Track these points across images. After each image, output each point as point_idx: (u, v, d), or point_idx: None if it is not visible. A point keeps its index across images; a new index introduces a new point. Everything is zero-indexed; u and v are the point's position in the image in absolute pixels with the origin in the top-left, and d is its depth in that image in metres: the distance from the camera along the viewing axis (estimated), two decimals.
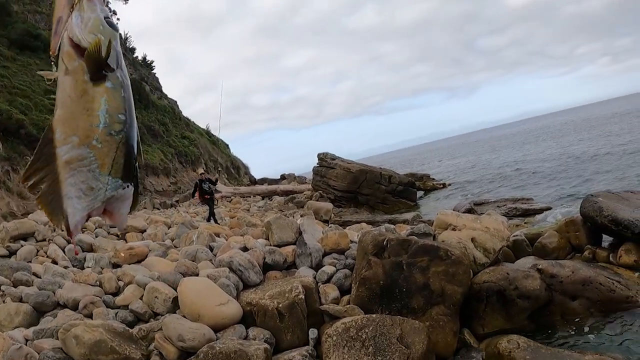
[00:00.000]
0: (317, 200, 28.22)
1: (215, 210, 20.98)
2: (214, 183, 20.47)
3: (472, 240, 10.13)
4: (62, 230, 2.59)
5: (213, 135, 58.31)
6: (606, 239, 11.62)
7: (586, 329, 8.42)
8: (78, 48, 1.83)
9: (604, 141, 44.32)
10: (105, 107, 1.91)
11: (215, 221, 19.68)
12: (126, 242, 13.59)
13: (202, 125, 61.88)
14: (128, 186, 2.13)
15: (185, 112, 60.22)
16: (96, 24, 1.88)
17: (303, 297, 7.47)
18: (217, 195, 25.93)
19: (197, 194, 20.28)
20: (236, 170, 59.05)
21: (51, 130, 1.95)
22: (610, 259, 10.74)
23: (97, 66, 1.89)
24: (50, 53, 1.95)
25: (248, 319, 7.37)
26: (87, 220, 2.19)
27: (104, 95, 1.90)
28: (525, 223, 16.96)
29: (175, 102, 61.54)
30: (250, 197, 37.89)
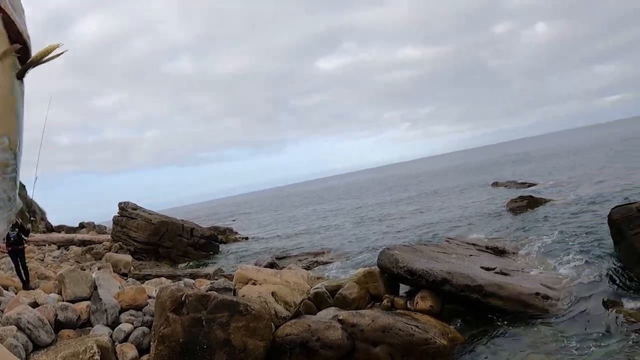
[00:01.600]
0: (117, 252, 27.07)
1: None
2: (26, 232, 16.35)
3: (273, 294, 10.38)
4: None
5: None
6: (403, 288, 12.62)
7: None
8: (13, 29, 1.60)
9: (391, 197, 47.65)
10: (22, 113, 1.72)
11: (27, 279, 15.70)
12: None
13: None
14: None
15: None
16: (24, 13, 1.70)
17: (99, 358, 7.18)
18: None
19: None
20: (32, 215, 54.76)
21: None
22: (408, 305, 11.68)
23: (30, 66, 1.70)
24: None
25: None
26: None
27: (21, 99, 1.70)
28: (326, 275, 17.60)
29: None
30: (45, 245, 35.29)
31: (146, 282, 14.79)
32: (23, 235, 15.94)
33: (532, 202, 25.39)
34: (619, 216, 12.77)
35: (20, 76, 1.69)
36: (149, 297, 9.67)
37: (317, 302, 12.26)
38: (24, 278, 15.51)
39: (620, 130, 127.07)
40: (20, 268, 15.64)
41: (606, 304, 11.29)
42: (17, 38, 1.65)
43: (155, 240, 28.99)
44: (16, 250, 15.61)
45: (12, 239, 15.33)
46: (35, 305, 8.81)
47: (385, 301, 12.11)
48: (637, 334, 9.62)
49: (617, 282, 12.41)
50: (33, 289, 12.96)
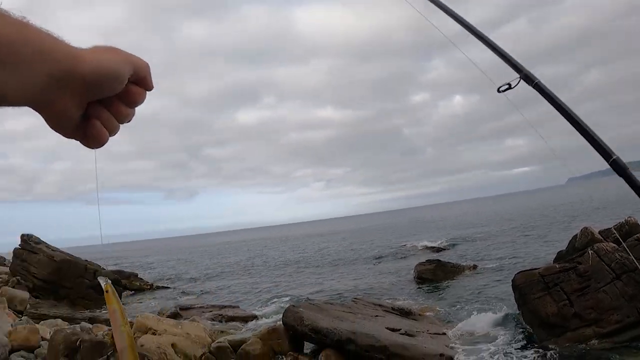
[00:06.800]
0: (14, 287, 25.62)
1: None
2: None
3: (173, 345, 10.10)
4: None
5: None
6: (308, 346, 12.52)
7: None
8: None
9: (298, 255, 47.81)
10: None
11: None
12: None
13: None
14: None
15: None
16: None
17: None
18: None
19: None
20: None
21: None
22: None
23: None
24: None
25: None
26: None
27: None
28: (232, 329, 17.32)
29: None
30: None
31: (42, 322, 14.08)
32: None
33: (440, 267, 25.97)
34: (522, 281, 13.27)
35: None
36: (43, 338, 9.21)
37: (219, 356, 11.99)
38: None
39: (525, 200, 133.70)
40: None
41: None
42: None
43: (55, 278, 27.65)
44: None
45: None
46: None
47: (289, 359, 12.02)
48: None
49: (521, 344, 12.85)
50: None
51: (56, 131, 1.07)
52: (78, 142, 1.10)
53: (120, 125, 1.13)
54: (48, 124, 1.05)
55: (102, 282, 1.72)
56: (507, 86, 3.52)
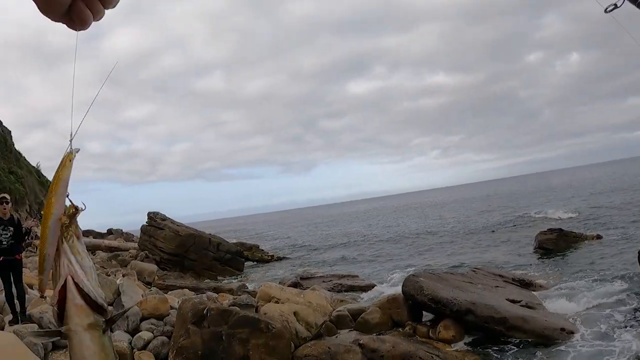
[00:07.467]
0: (143, 261, 27.24)
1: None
2: (23, 233, 10.38)
3: (295, 313, 10.35)
4: None
5: (43, 175, 54.89)
6: (427, 316, 12.47)
7: None
8: (88, 300, 1.66)
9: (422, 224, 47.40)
10: (114, 355, 1.75)
11: (23, 308, 9.80)
12: None
13: (33, 163, 57.99)
14: None
15: (17, 146, 55.59)
16: (96, 275, 1.76)
17: None
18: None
19: None
20: None
21: None
22: (430, 334, 11.55)
23: (111, 322, 1.78)
24: (40, 292, 1.78)
25: None
26: None
27: (111, 344, 1.75)
28: (351, 299, 17.52)
29: (10, 131, 55.58)
30: None
31: (169, 292, 14.86)
32: (14, 238, 10.11)
33: (562, 236, 24.96)
34: None
35: (105, 330, 1.72)
36: (171, 307, 9.72)
37: (339, 324, 12.16)
38: (19, 307, 9.79)
39: None
40: (14, 290, 9.90)
41: (633, 346, 11.01)
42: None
43: (181, 252, 29.13)
44: (8, 262, 9.91)
45: (4, 244, 9.91)
46: None
47: (407, 328, 12.01)
48: None
49: None
50: (31, 321, 9.22)
51: (46, 15, 1.13)
52: (65, 25, 1.16)
53: (106, 10, 1.18)
54: (38, 7, 1.11)
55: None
56: (613, 6, 3.29)
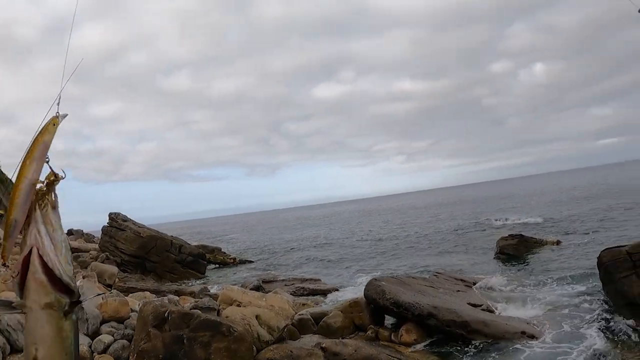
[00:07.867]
0: (103, 262, 26.80)
1: None
2: None
3: (257, 317, 10.33)
4: None
5: (3, 173, 53.81)
6: (389, 319, 12.56)
7: None
8: (52, 277, 1.53)
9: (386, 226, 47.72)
10: (74, 341, 1.64)
11: None
12: None
13: None
14: None
15: None
16: (68, 251, 1.61)
17: None
18: None
19: None
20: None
21: None
22: (392, 338, 11.64)
23: (75, 304, 1.61)
24: (2, 259, 1.61)
25: None
26: None
27: (72, 329, 1.62)
28: (313, 302, 17.53)
29: None
30: None
31: (130, 295, 14.66)
32: None
33: (523, 242, 25.37)
34: (608, 259, 12.70)
35: (67, 313, 1.61)
36: (132, 310, 9.61)
37: (301, 328, 12.19)
38: None
39: (614, 173, 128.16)
40: None
41: (592, 347, 11.22)
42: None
43: (142, 254, 28.78)
44: None
45: None
46: None
47: (369, 332, 12.08)
48: None
49: (604, 324, 12.34)
50: None
51: None
52: None
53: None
54: None
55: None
56: None
